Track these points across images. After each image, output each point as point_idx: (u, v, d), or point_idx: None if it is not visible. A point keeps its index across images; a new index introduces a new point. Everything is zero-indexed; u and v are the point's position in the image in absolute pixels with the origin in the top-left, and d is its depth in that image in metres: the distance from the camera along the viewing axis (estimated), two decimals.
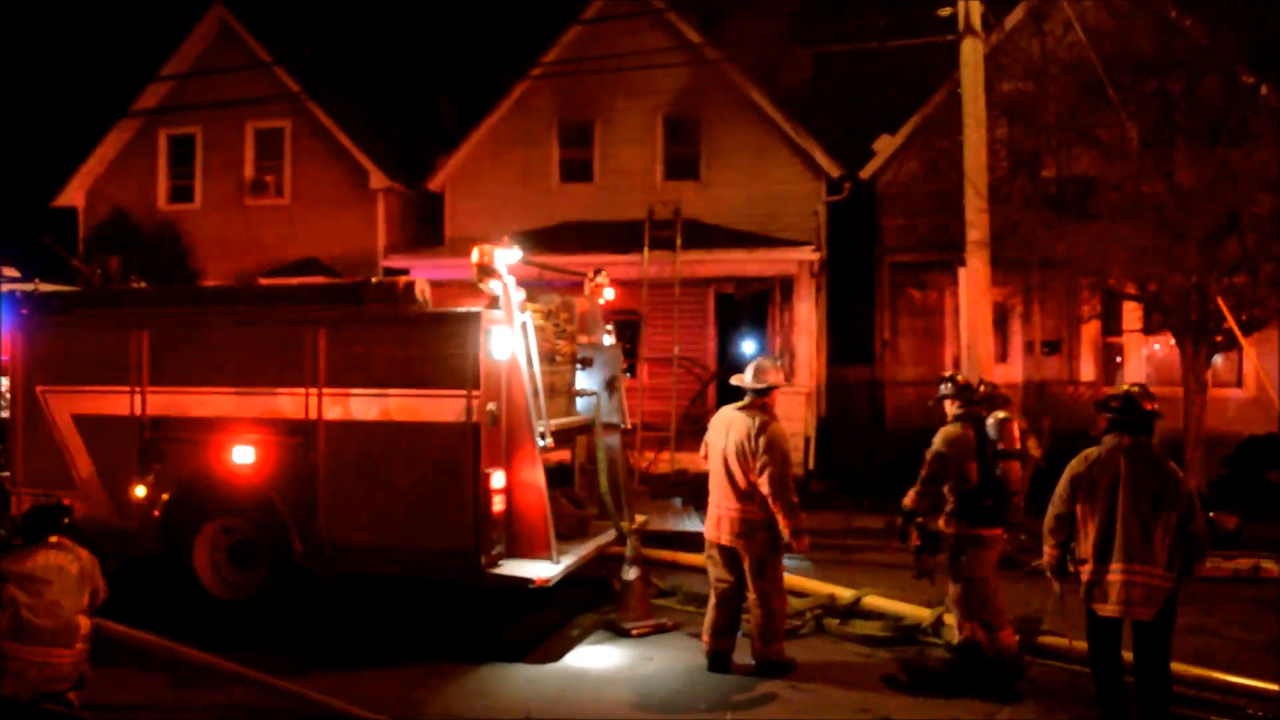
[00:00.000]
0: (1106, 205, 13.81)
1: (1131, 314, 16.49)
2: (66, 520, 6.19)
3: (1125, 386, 6.30)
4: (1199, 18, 13.84)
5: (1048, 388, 17.28)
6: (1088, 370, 17.69)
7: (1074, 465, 6.14)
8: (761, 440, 7.08)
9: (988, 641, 7.23)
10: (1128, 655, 6.08)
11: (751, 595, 7.29)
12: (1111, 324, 17.33)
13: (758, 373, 7.38)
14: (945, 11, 12.36)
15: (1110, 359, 17.76)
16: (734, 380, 7.58)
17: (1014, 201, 14.24)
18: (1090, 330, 17.56)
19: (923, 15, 12.84)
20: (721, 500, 7.29)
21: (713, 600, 7.41)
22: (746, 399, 7.40)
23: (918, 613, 8.26)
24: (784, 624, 7.54)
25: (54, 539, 6.05)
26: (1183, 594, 5.97)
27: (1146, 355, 17.58)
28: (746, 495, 7.17)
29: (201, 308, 9.18)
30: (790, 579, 9.00)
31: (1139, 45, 13.78)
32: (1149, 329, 16.15)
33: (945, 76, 15.51)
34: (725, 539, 7.24)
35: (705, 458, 7.53)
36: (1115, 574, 5.85)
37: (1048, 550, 6.26)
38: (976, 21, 12.22)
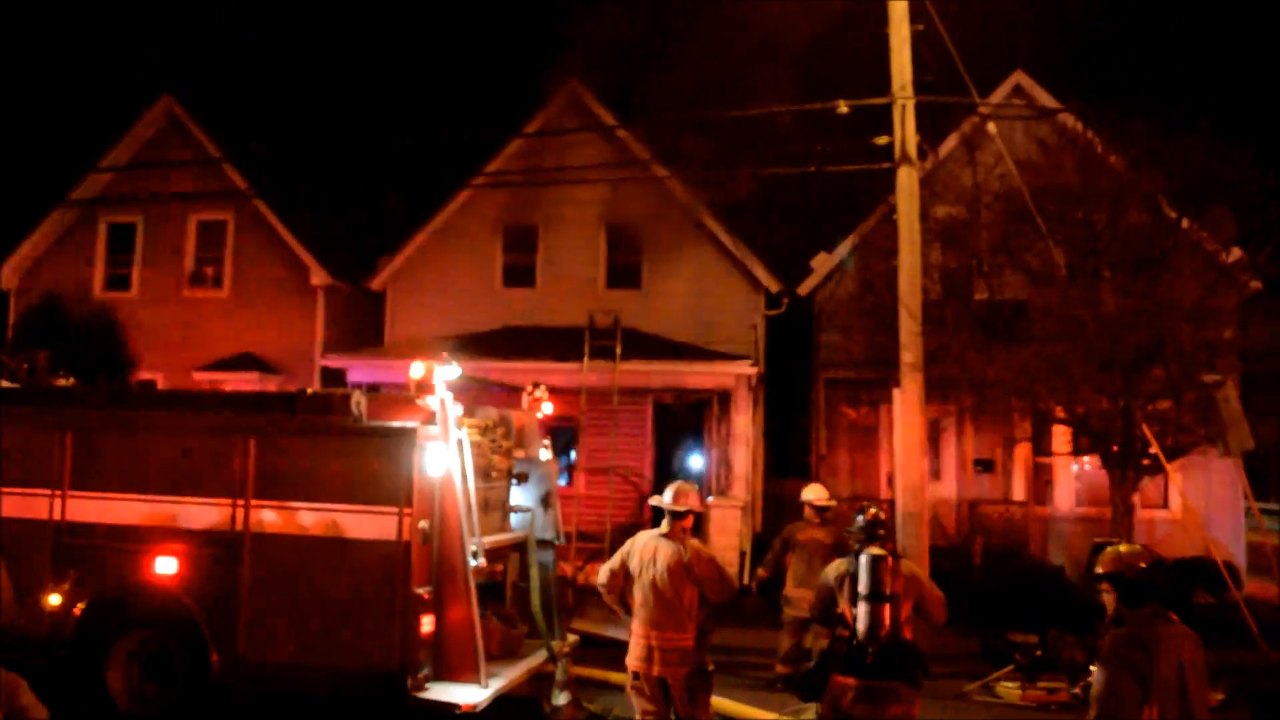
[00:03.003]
0: (1036, 330, 14.16)
1: (1061, 436, 16.80)
2: None
3: (1130, 547, 5.20)
4: (1124, 155, 14.43)
5: (981, 506, 17.46)
6: (1019, 490, 17.90)
7: (1126, 655, 4.75)
8: (707, 566, 7.09)
9: None
10: None
11: None
12: (1042, 444, 17.60)
13: (677, 495, 7.29)
14: (882, 140, 12.69)
15: (1041, 479, 18.01)
16: (653, 501, 7.52)
17: (947, 324, 14.52)
18: (1023, 450, 17.80)
19: (861, 140, 13.20)
20: (651, 629, 7.10)
21: None
22: (666, 524, 7.32)
23: None
24: None
25: None
26: None
27: (1076, 475, 17.87)
28: (679, 623, 7.06)
29: (128, 410, 8.97)
30: (725, 704, 8.90)
31: (1067, 177, 14.35)
32: (1078, 450, 16.46)
33: (880, 199, 15.90)
34: (656, 669, 7.09)
35: (607, 588, 7.41)
36: None
37: None
38: (912, 151, 12.56)
